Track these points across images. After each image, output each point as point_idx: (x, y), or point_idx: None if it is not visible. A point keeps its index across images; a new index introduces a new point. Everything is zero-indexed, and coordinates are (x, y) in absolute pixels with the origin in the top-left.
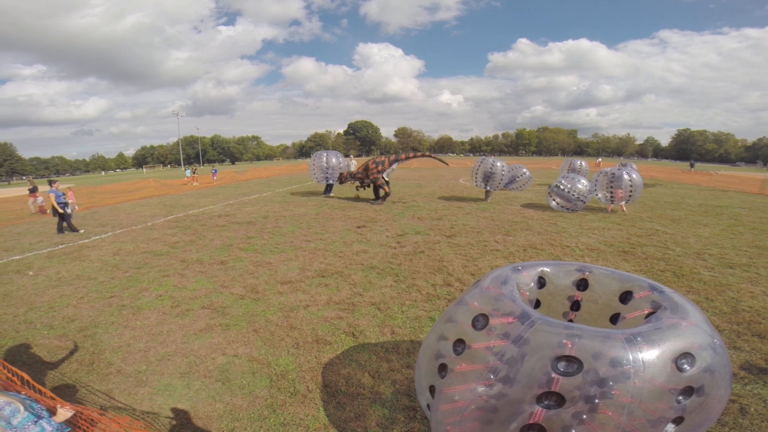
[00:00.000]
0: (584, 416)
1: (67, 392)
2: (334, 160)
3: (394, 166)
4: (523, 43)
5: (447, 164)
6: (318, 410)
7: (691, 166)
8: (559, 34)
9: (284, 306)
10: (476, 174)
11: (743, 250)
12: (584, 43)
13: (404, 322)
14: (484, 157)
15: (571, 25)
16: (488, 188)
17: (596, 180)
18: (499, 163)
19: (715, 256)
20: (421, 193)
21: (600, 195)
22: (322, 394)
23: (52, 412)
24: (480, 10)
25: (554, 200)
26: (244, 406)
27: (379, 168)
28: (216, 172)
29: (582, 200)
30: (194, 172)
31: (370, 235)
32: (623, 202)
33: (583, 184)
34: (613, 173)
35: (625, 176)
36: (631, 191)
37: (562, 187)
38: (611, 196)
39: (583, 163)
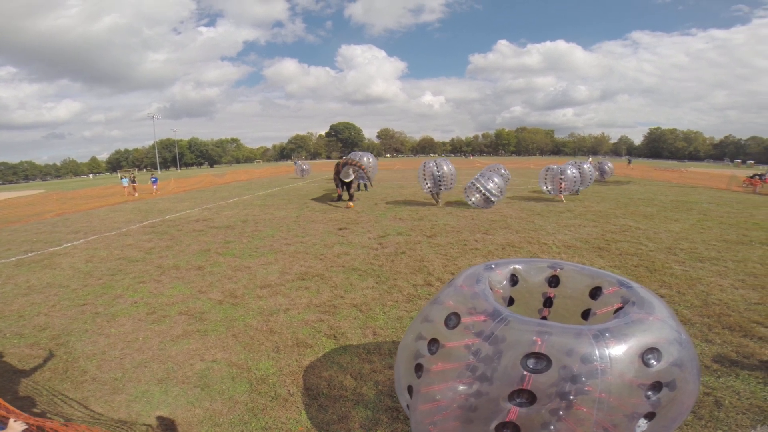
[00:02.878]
0: (561, 413)
1: (40, 401)
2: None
3: (349, 170)
4: (502, 44)
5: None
6: (300, 413)
7: (629, 162)
8: (537, 36)
9: (264, 310)
10: (423, 178)
11: (712, 244)
12: (561, 45)
13: (386, 323)
14: (427, 160)
15: (549, 27)
16: (438, 191)
17: (544, 175)
18: (446, 166)
19: (685, 250)
20: (403, 194)
21: (547, 188)
22: (303, 398)
23: (5, 424)
24: (462, 12)
25: (471, 198)
26: (225, 412)
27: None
28: (156, 180)
29: (495, 197)
30: (133, 181)
31: (352, 236)
32: (564, 193)
33: (494, 182)
34: (560, 168)
35: (569, 171)
36: (575, 184)
37: (479, 185)
38: (557, 188)
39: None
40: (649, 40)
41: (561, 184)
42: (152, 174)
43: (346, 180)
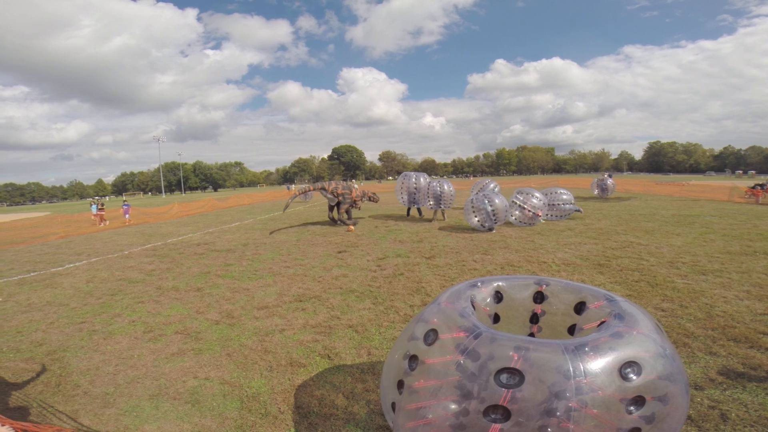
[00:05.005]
0: (549, 429)
1: (30, 413)
2: (423, 180)
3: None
4: (500, 63)
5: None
6: (289, 431)
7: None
8: (533, 54)
9: (259, 330)
10: (401, 193)
11: (715, 256)
12: (557, 62)
13: (381, 343)
14: (406, 173)
15: (544, 45)
16: (418, 206)
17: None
18: (423, 179)
19: (688, 264)
20: (403, 217)
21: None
22: (294, 416)
23: None
24: (460, 33)
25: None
26: (213, 428)
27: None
28: (129, 207)
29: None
30: (101, 208)
31: (351, 259)
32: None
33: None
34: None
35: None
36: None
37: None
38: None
39: (609, 180)
40: (641, 54)
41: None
42: (124, 200)
43: (332, 204)
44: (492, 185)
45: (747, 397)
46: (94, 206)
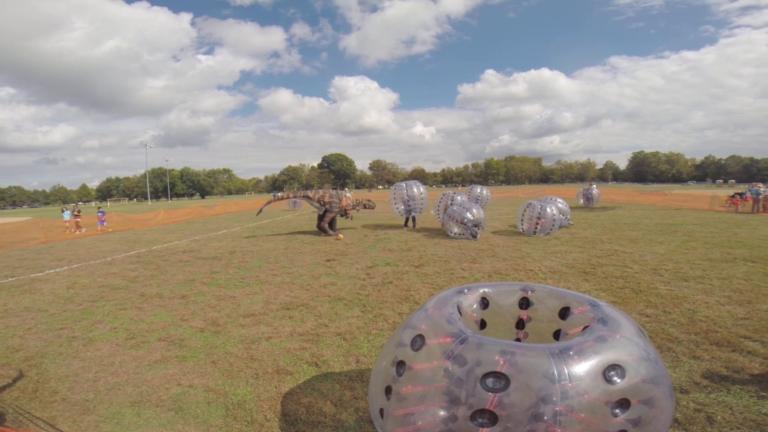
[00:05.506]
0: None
1: (5, 419)
2: (416, 190)
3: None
4: (490, 74)
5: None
6: None
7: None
8: (522, 64)
9: (245, 338)
10: (395, 201)
11: (697, 263)
12: (545, 73)
13: (370, 350)
14: (399, 183)
15: (533, 55)
16: (412, 215)
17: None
18: (415, 188)
19: (670, 271)
20: (393, 225)
21: (522, 227)
22: (280, 423)
23: None
24: (452, 43)
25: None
26: None
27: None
28: (104, 214)
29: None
30: (77, 215)
31: (340, 267)
32: (540, 234)
33: (473, 213)
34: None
35: (548, 210)
36: (553, 224)
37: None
38: (532, 229)
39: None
40: (626, 65)
41: (537, 224)
42: (99, 207)
43: (321, 213)
44: (478, 189)
45: (732, 400)
46: (66, 212)
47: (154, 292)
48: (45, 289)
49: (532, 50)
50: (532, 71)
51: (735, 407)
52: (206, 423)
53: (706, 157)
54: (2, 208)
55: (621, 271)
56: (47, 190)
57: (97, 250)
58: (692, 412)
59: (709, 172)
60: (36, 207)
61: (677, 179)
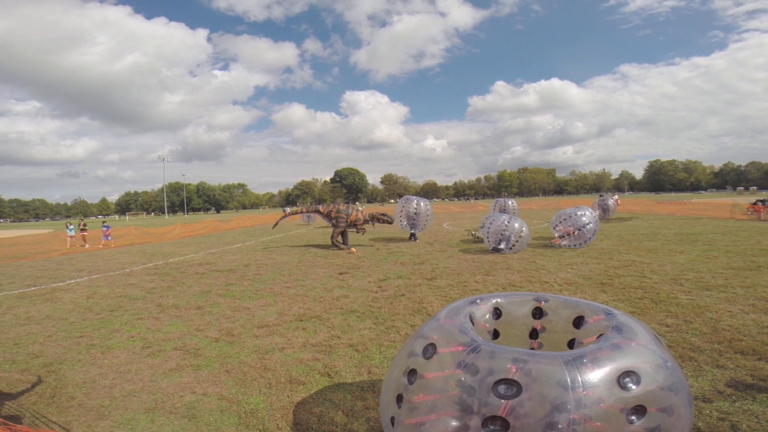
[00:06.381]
0: None
1: (22, 422)
2: (423, 205)
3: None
4: (500, 85)
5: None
6: None
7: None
8: (532, 75)
9: (259, 348)
10: (400, 216)
11: (719, 272)
12: (556, 83)
13: (382, 361)
14: (407, 197)
15: (543, 66)
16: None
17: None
18: (422, 203)
19: (691, 280)
20: (404, 239)
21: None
22: None
23: None
24: (461, 56)
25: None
26: None
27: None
28: (108, 228)
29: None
30: (83, 229)
31: (352, 280)
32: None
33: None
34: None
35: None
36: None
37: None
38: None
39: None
40: (637, 73)
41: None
42: (104, 221)
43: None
44: (510, 202)
45: (757, 408)
46: (71, 228)
47: (170, 303)
48: (65, 298)
49: (541, 61)
50: (542, 81)
51: (761, 415)
52: (219, 430)
53: (725, 164)
54: (26, 221)
55: (639, 282)
56: (68, 204)
57: (116, 261)
58: (716, 421)
59: (728, 179)
60: (57, 220)
61: (696, 187)
